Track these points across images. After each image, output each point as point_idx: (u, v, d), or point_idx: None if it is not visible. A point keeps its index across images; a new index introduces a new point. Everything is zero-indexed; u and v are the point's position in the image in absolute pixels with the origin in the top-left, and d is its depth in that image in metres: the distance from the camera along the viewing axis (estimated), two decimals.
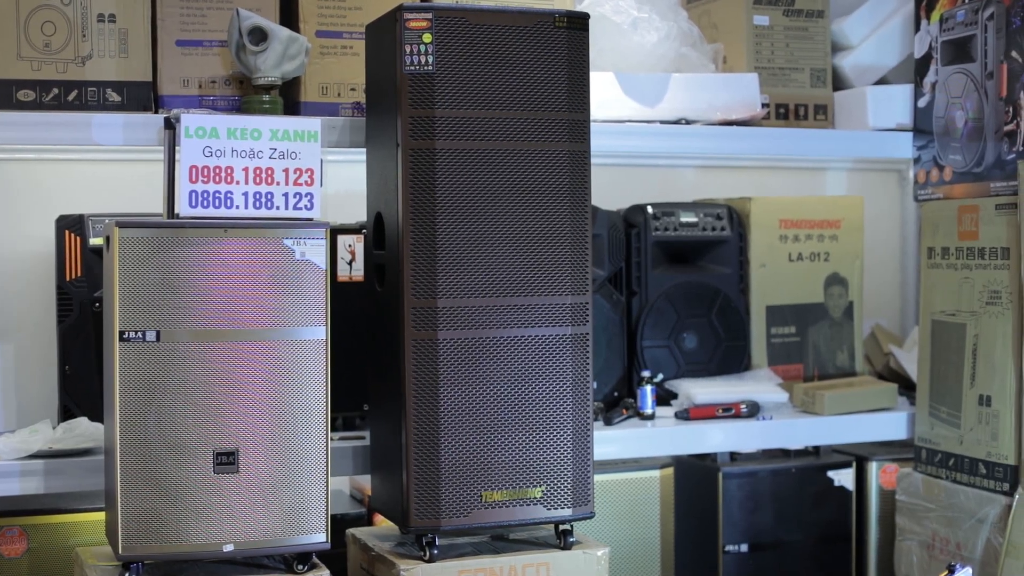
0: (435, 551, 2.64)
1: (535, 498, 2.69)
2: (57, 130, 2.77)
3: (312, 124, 2.67)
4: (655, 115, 3.23)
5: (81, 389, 2.95)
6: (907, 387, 3.55)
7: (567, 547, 2.72)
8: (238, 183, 2.61)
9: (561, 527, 2.74)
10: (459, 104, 2.62)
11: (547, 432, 2.68)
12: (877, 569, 3.47)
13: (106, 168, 3.33)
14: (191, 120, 2.59)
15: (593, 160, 2.74)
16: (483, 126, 2.63)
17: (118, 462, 2.46)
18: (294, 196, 2.64)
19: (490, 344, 2.64)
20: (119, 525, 2.47)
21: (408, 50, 2.60)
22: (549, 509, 2.70)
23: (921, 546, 3.27)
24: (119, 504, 2.47)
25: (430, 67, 2.60)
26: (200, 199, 2.59)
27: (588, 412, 2.72)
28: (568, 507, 2.71)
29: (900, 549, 3.35)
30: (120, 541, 2.47)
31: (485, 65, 2.63)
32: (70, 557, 2.78)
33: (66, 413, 2.96)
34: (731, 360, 3.50)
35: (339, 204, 3.28)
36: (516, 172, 2.65)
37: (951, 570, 2.31)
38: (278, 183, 2.63)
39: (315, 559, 2.62)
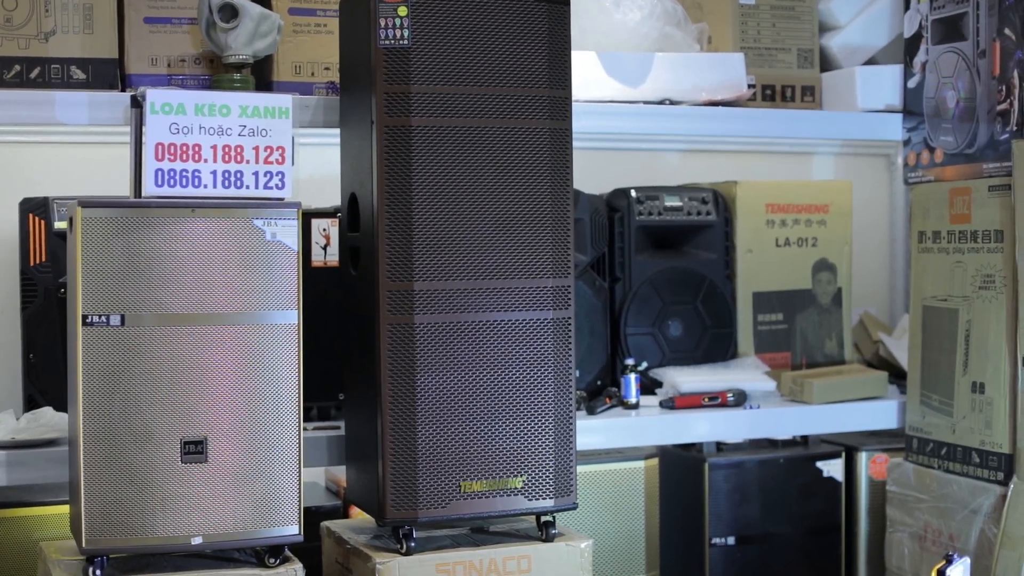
0: (412, 544, 2.56)
1: (516, 488, 2.61)
2: (19, 108, 2.69)
3: (283, 100, 2.59)
4: (639, 95, 3.16)
5: (46, 378, 2.87)
6: (897, 375, 3.49)
7: (549, 539, 2.65)
8: (206, 161, 2.53)
9: (543, 518, 2.66)
10: (436, 80, 2.54)
11: (528, 420, 2.61)
12: (867, 561, 3.41)
13: (72, 151, 3.27)
14: (157, 96, 2.50)
15: (575, 143, 2.67)
16: (461, 103, 2.55)
17: (81, 452, 2.38)
18: (264, 175, 2.56)
19: (469, 329, 2.56)
20: (83, 518, 2.39)
21: (383, 24, 2.51)
22: (530, 500, 2.62)
23: (912, 538, 3.20)
24: (83, 496, 2.39)
25: (406, 41, 2.52)
26: (167, 178, 2.51)
27: (571, 399, 2.64)
28: (550, 498, 2.63)
29: (891, 541, 3.28)
30: (84, 534, 2.39)
31: (463, 39, 2.56)
32: (34, 551, 2.71)
33: (30, 403, 2.89)
34: (717, 348, 3.43)
35: (313, 189, 3.21)
36: (495, 150, 2.58)
37: (948, 560, 2.23)
38: (248, 161, 2.55)
39: (287, 552, 2.53)
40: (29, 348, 2.90)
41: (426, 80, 2.53)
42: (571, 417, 2.64)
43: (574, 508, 2.67)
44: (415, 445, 2.53)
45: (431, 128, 2.53)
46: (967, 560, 2.27)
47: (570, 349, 2.64)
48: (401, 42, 2.52)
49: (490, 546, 2.61)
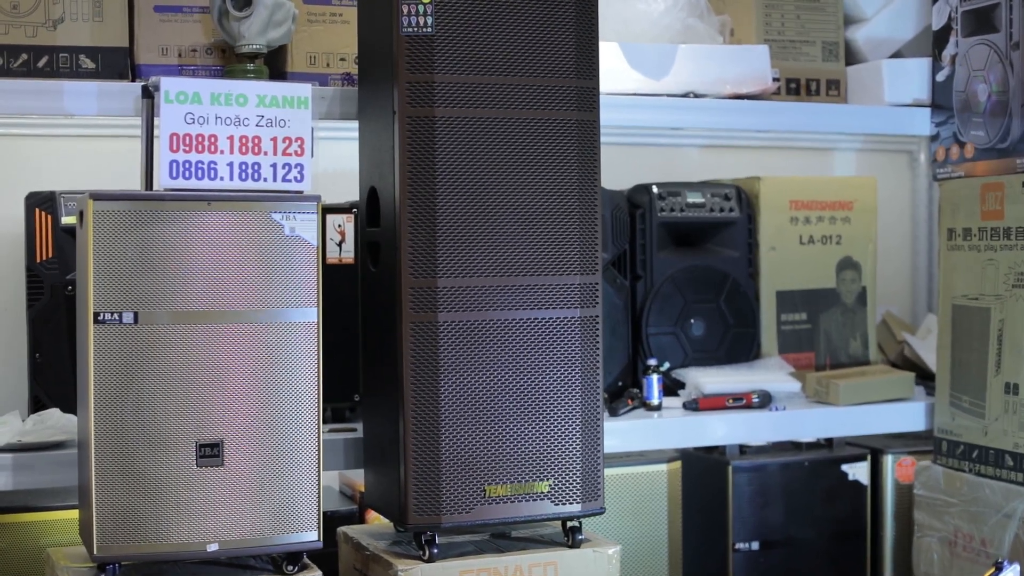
0: (435, 550, 2.47)
1: (542, 493, 2.52)
2: (26, 98, 2.62)
3: (302, 89, 2.50)
4: (661, 88, 3.09)
5: (52, 378, 2.81)
6: (922, 376, 3.41)
7: (576, 545, 2.56)
8: (222, 152, 2.44)
9: (569, 524, 2.58)
10: (460, 69, 2.45)
11: (555, 422, 2.52)
12: (893, 567, 3.33)
13: (80, 144, 3.21)
14: (172, 84, 2.41)
15: None
16: (486, 92, 2.47)
17: (92, 455, 2.30)
18: (283, 167, 2.47)
19: (494, 327, 2.48)
20: (94, 524, 2.31)
21: (405, 11, 2.43)
22: (557, 504, 2.53)
23: (942, 543, 3.11)
24: (94, 501, 2.31)
25: (429, 29, 2.44)
26: (182, 169, 2.41)
27: (598, 400, 2.55)
28: (577, 502, 2.54)
29: (919, 546, 3.19)
30: (95, 541, 2.31)
31: (488, 27, 2.47)
32: (41, 558, 2.63)
33: (36, 404, 2.82)
34: (740, 347, 3.35)
35: (328, 184, 3.13)
36: (521, 142, 2.49)
37: (999, 568, 2.15)
38: (266, 153, 2.46)
39: (306, 559, 2.46)
40: (35, 347, 2.83)
41: (450, 69, 2.44)
42: (599, 419, 2.56)
43: (601, 513, 2.58)
44: (438, 448, 2.45)
45: (455, 119, 2.45)
46: (1016, 567, 2.18)
47: (598, 348, 2.55)
48: (424, 30, 2.43)
49: (515, 552, 2.53)
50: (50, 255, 2.80)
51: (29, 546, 2.72)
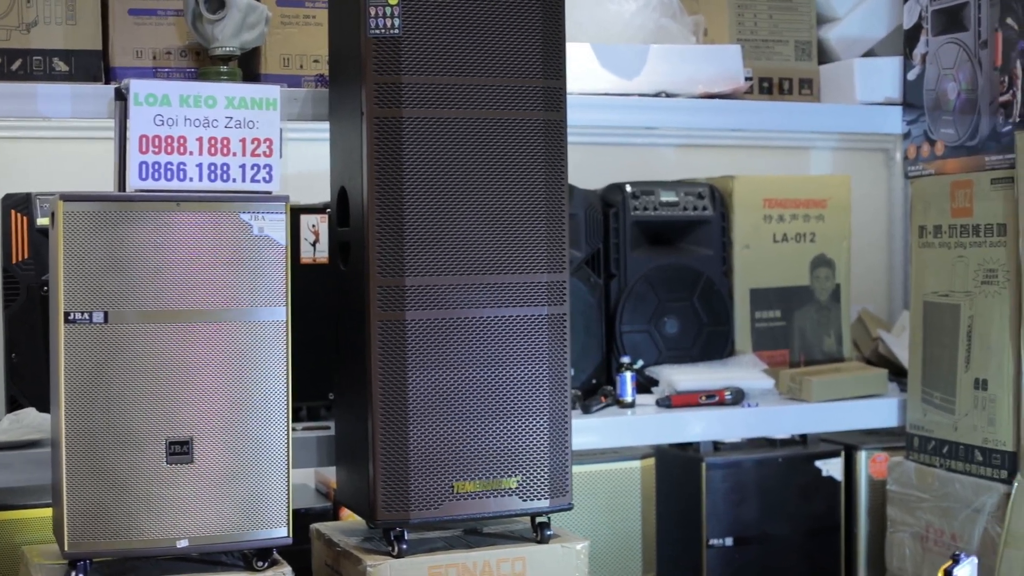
0: (404, 546, 2.50)
1: (510, 489, 2.54)
2: None
3: (271, 91, 2.53)
4: (634, 88, 3.09)
5: (28, 378, 2.81)
6: (897, 373, 3.44)
7: (544, 540, 2.59)
8: (191, 154, 2.47)
9: (538, 519, 2.60)
10: (427, 70, 2.48)
11: (523, 419, 2.54)
12: (867, 562, 3.35)
13: (55, 146, 3.22)
14: (141, 86, 2.44)
15: (569, 138, 2.61)
16: (453, 93, 2.49)
17: (64, 453, 2.32)
18: (251, 168, 2.49)
19: (461, 325, 2.50)
20: (65, 521, 2.33)
21: (373, 12, 2.45)
22: (525, 500, 2.56)
23: (914, 538, 3.14)
24: (65, 498, 2.33)
25: (396, 30, 2.46)
26: (151, 171, 2.44)
27: (566, 397, 2.58)
28: (545, 498, 2.57)
29: (892, 541, 3.22)
30: (66, 538, 2.33)
31: (455, 28, 2.49)
32: (16, 556, 2.65)
33: (13, 404, 2.83)
34: (714, 345, 3.37)
35: (302, 185, 3.14)
36: (488, 142, 2.52)
37: (955, 560, 2.17)
38: (234, 154, 2.49)
39: (276, 555, 2.47)
40: (11, 348, 2.84)
41: (417, 70, 2.47)
42: (566, 415, 2.58)
43: (569, 509, 2.61)
44: (407, 445, 2.47)
45: (422, 119, 2.47)
46: (975, 560, 2.21)
47: (565, 346, 2.57)
48: (392, 31, 2.46)
49: (484, 548, 2.55)
50: (26, 256, 2.81)
51: (5, 544, 2.73)
